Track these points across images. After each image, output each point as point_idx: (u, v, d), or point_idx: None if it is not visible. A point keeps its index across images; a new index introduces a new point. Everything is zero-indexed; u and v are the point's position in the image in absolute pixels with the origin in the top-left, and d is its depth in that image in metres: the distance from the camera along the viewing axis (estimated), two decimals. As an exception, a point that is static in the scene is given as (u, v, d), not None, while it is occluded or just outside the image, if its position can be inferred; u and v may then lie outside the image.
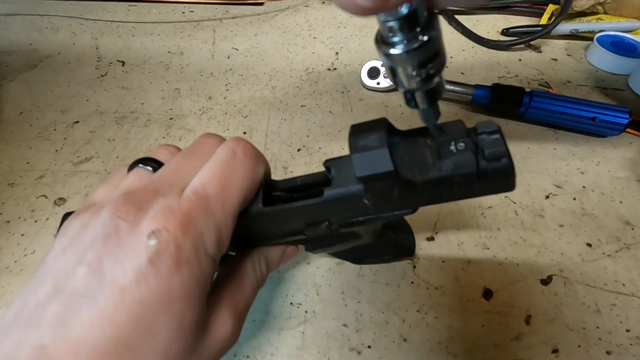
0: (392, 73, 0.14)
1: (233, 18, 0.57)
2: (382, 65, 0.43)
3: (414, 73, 0.14)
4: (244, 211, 0.19)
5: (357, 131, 0.17)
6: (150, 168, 0.20)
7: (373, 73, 0.44)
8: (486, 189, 0.17)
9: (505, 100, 0.38)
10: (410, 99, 0.15)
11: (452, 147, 0.16)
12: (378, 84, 0.43)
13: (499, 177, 0.16)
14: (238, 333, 0.19)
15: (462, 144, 0.16)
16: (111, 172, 0.20)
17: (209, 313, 0.18)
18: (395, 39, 0.13)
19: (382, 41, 0.13)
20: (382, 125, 0.17)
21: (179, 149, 0.21)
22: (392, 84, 0.42)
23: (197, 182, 0.17)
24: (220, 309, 0.18)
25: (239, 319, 0.19)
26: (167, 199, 0.16)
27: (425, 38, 0.13)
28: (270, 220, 0.20)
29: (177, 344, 0.15)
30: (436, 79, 0.14)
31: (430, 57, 0.13)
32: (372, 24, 0.55)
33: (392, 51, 0.13)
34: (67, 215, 0.23)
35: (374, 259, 0.29)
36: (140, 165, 0.20)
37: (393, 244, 0.27)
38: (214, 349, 0.17)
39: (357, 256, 0.28)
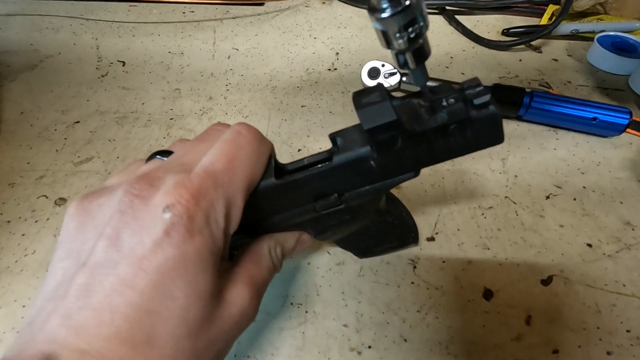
0: (384, 36, 0.17)
1: (233, 18, 0.58)
2: (382, 66, 0.43)
3: (402, 34, 0.16)
4: (255, 190, 0.20)
5: (359, 94, 0.18)
6: (165, 159, 0.21)
7: (373, 73, 0.43)
8: (479, 139, 0.19)
9: (506, 101, 0.38)
10: (401, 60, 0.17)
11: (444, 103, 0.18)
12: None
13: (489, 123, 0.19)
14: (255, 309, 0.20)
15: (452, 99, 0.18)
16: (129, 164, 0.22)
17: (227, 286, 0.18)
18: (383, 5, 0.15)
19: (373, 9, 0.16)
20: (381, 88, 0.18)
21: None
22: (392, 84, 0.42)
23: (206, 161, 0.19)
24: (238, 283, 0.19)
25: (256, 294, 0.20)
26: (178, 175, 0.18)
27: (407, 2, 0.15)
28: (281, 195, 0.21)
29: (194, 310, 0.16)
30: (421, 40, 0.17)
31: (413, 18, 0.16)
32: (372, 25, 0.55)
33: (381, 15, 0.15)
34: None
35: (379, 248, 0.29)
36: (157, 156, 0.21)
37: (397, 225, 0.27)
38: (232, 320, 0.18)
39: (361, 245, 0.28)
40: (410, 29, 0.16)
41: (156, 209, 0.16)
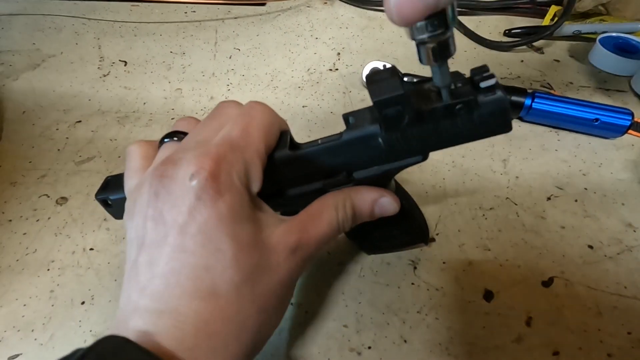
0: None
1: (235, 18, 0.58)
2: (383, 66, 0.43)
3: (427, 25, 0.16)
4: (271, 159, 0.21)
5: (373, 74, 0.19)
6: (176, 138, 0.22)
7: (375, 74, 0.43)
8: (486, 125, 0.19)
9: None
10: (422, 54, 0.17)
11: (452, 87, 0.19)
12: (380, 84, 0.43)
13: (495, 108, 0.19)
14: (304, 258, 0.21)
15: (460, 84, 0.19)
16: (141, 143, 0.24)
17: (273, 235, 0.20)
18: None
19: None
20: (393, 69, 0.19)
21: (198, 120, 0.24)
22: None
23: (222, 133, 0.20)
24: (286, 232, 0.20)
25: (305, 244, 0.20)
26: (197, 150, 0.19)
27: None
28: (294, 168, 0.22)
29: (243, 258, 0.18)
30: (448, 33, 0.16)
31: (442, 11, 0.15)
32: (373, 25, 0.55)
33: None
34: (109, 177, 0.26)
35: (387, 243, 0.28)
36: (166, 140, 0.22)
37: (407, 218, 0.27)
38: (283, 268, 0.20)
39: (370, 236, 0.28)
40: (436, 22, 0.15)
41: (184, 181, 0.18)
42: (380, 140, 0.20)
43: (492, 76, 0.18)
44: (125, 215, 0.21)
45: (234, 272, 0.18)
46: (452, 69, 0.18)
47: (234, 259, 0.18)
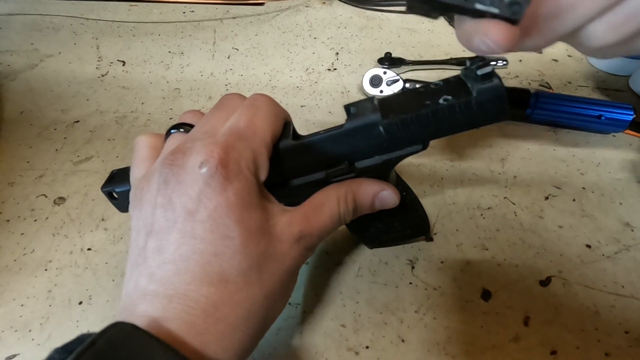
0: None
1: (233, 18, 0.58)
2: (384, 73, 0.42)
3: None
4: (276, 148, 0.22)
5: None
6: (183, 130, 0.23)
7: (375, 81, 0.43)
8: (484, 112, 0.20)
9: (512, 103, 0.38)
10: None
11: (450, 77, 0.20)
12: (381, 92, 0.42)
13: (493, 95, 0.19)
14: (307, 247, 0.21)
15: (458, 71, 0.20)
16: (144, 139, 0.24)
17: (278, 224, 0.20)
18: None
19: None
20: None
21: (203, 113, 0.24)
22: (394, 92, 0.42)
23: (229, 123, 0.21)
24: (289, 222, 0.21)
25: (308, 234, 0.21)
26: (206, 140, 0.20)
27: None
28: (298, 157, 0.22)
29: (251, 245, 0.19)
30: None
31: None
32: (372, 25, 0.55)
33: None
34: (114, 171, 0.26)
35: (388, 235, 0.29)
36: (172, 131, 0.23)
37: (408, 210, 0.27)
38: (287, 256, 0.20)
39: (371, 229, 0.28)
40: None
41: (193, 169, 0.18)
42: (381, 128, 0.21)
43: (488, 63, 0.19)
44: (131, 204, 0.21)
45: (243, 259, 0.18)
46: (450, 70, 0.19)
47: (242, 245, 0.18)
